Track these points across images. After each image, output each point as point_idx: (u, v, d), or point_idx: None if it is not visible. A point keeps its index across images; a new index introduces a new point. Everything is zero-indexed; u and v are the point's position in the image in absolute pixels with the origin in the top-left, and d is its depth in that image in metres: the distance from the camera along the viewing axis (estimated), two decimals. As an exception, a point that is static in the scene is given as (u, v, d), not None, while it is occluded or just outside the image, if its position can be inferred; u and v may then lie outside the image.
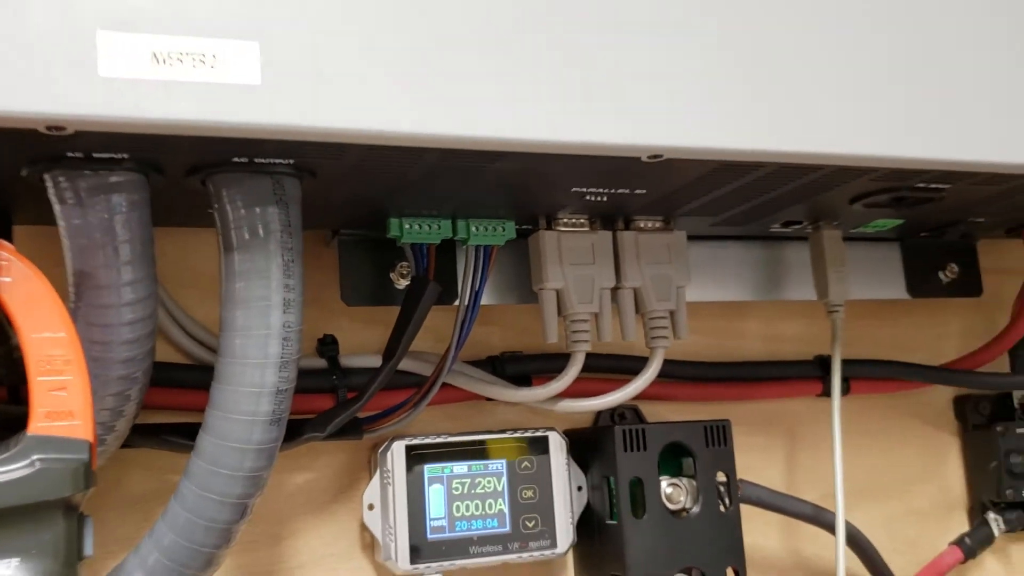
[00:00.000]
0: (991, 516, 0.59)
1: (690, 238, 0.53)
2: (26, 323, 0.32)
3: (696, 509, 0.49)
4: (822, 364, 0.57)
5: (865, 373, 0.58)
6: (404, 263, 0.48)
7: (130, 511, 0.44)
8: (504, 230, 0.46)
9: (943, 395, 0.62)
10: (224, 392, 0.37)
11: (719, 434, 0.50)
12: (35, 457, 0.31)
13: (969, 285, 0.60)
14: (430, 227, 0.45)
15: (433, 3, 0.34)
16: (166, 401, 0.44)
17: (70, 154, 0.34)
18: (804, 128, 0.38)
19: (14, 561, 0.30)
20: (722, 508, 0.49)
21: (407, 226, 0.44)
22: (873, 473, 0.59)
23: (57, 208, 0.35)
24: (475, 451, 0.48)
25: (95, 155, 0.34)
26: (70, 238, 0.35)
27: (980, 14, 0.42)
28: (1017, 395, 0.61)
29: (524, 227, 0.48)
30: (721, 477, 0.50)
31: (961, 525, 0.60)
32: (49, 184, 0.35)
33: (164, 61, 0.31)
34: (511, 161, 0.37)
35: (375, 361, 0.48)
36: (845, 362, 0.57)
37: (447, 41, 0.34)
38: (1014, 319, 0.59)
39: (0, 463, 0.31)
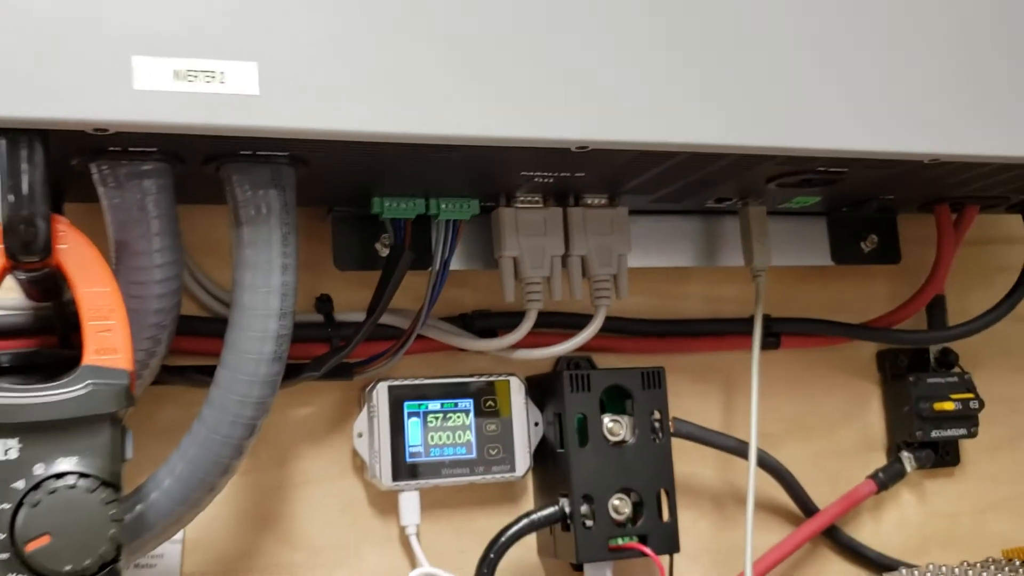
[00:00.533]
0: (904, 455, 0.68)
1: (636, 212, 0.62)
2: (79, 280, 0.42)
3: (633, 441, 0.58)
4: (752, 321, 0.66)
5: (794, 329, 0.67)
6: (386, 235, 0.57)
7: (162, 437, 0.53)
8: (470, 207, 0.55)
9: (867, 350, 0.70)
10: (236, 336, 0.46)
11: (654, 379, 0.59)
12: (89, 381, 0.41)
13: (888, 253, 0.69)
14: (406, 205, 0.54)
15: (391, 26, 0.43)
16: (190, 347, 0.54)
17: (111, 148, 0.43)
18: (700, 122, 0.46)
19: (74, 459, 0.40)
20: (656, 440, 0.58)
21: (387, 204, 0.53)
22: (801, 417, 0.68)
23: (100, 190, 0.45)
24: (447, 391, 0.58)
25: (130, 149, 0.43)
26: (111, 214, 0.45)
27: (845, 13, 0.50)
28: (933, 349, 0.69)
29: (487, 204, 0.56)
30: (655, 415, 0.59)
31: (880, 462, 0.69)
32: (94, 171, 0.44)
33: (183, 78, 0.40)
34: (463, 152, 0.46)
35: (363, 316, 0.57)
36: (777, 320, 0.66)
37: (408, 55, 0.43)
38: (927, 282, 0.67)
39: (64, 386, 0.40)
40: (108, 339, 0.42)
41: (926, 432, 0.67)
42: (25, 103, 0.38)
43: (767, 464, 0.64)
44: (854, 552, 0.67)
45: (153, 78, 0.40)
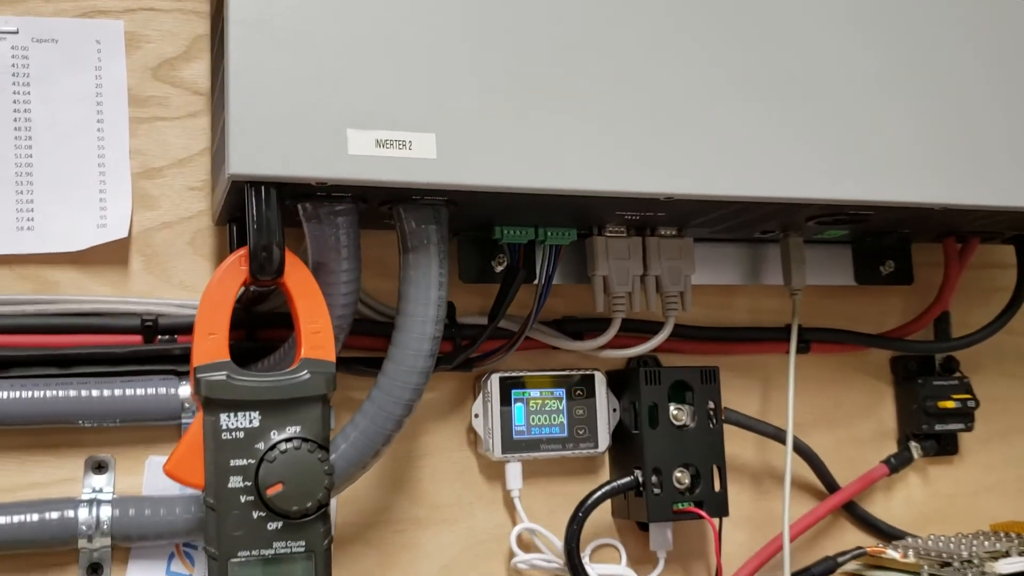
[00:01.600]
0: (912, 444, 0.81)
1: (697, 240, 0.75)
2: (298, 295, 0.55)
3: (692, 425, 0.72)
4: (789, 330, 0.79)
5: (822, 338, 0.80)
6: (501, 254, 0.71)
7: None
8: (569, 235, 0.68)
9: (883, 356, 0.83)
10: (401, 337, 0.59)
11: (710, 376, 0.73)
12: (306, 370, 0.55)
13: (903, 276, 0.82)
14: (521, 232, 0.67)
15: (533, 105, 0.56)
16: (347, 343, 0.68)
17: (318, 193, 0.57)
18: (755, 180, 0.60)
19: (298, 427, 0.54)
20: (711, 425, 0.72)
21: (506, 231, 0.66)
22: (826, 411, 0.81)
23: (305, 224, 0.58)
24: (545, 381, 0.71)
25: (332, 194, 0.57)
26: (311, 241, 0.58)
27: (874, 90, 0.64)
28: (938, 357, 0.83)
29: (582, 232, 0.70)
30: (711, 405, 0.72)
31: (891, 450, 0.82)
32: (300, 209, 0.58)
33: (382, 145, 0.54)
34: (576, 198, 0.59)
35: (480, 319, 0.70)
36: (808, 329, 0.80)
37: (545, 128, 0.56)
38: (935, 300, 0.80)
39: (290, 374, 0.54)
40: (318, 339, 0.55)
41: (931, 425, 0.80)
42: (272, 164, 0.52)
43: (799, 448, 0.77)
44: (868, 524, 0.81)
45: (361, 145, 0.54)
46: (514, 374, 0.71)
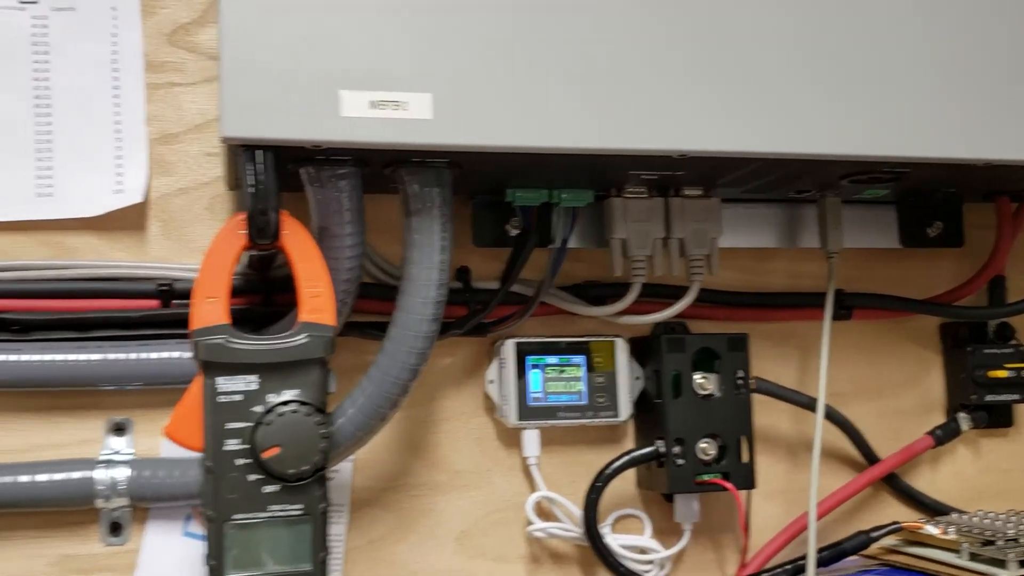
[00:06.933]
0: (961, 415, 0.77)
1: (728, 200, 0.72)
2: (297, 257, 0.55)
3: (719, 394, 0.69)
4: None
5: (866, 303, 0.76)
6: (515, 218, 0.69)
7: (341, 377, 0.66)
8: (585, 196, 0.66)
9: (930, 323, 0.79)
10: (405, 300, 0.59)
11: (738, 343, 0.70)
12: (305, 333, 0.54)
13: (952, 238, 0.77)
14: (534, 194, 0.65)
15: (532, 61, 0.54)
16: (360, 307, 0.67)
17: (318, 157, 0.56)
18: (778, 134, 0.57)
19: (296, 391, 0.54)
20: (738, 395, 0.69)
21: (518, 194, 0.65)
22: (868, 379, 0.78)
23: (307, 187, 0.58)
24: (563, 348, 0.70)
25: (332, 158, 0.56)
26: (315, 205, 0.58)
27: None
28: (992, 323, 0.78)
29: (600, 193, 0.68)
30: (739, 373, 0.70)
31: (937, 421, 0.78)
32: (303, 174, 0.57)
33: (377, 106, 0.53)
34: (586, 157, 0.57)
35: (495, 284, 0.69)
36: (848, 295, 0.76)
37: (546, 86, 0.54)
38: (987, 264, 0.76)
39: (288, 337, 0.54)
40: (318, 302, 0.55)
41: (980, 396, 0.76)
42: (264, 127, 0.52)
43: (835, 418, 0.74)
44: (911, 497, 0.77)
45: (355, 107, 0.53)
46: (530, 339, 0.69)
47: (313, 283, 0.55)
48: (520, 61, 0.54)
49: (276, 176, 0.53)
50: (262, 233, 0.54)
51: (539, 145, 0.55)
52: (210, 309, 0.53)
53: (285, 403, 0.53)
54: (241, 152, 0.53)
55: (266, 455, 0.52)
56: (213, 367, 0.53)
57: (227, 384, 0.53)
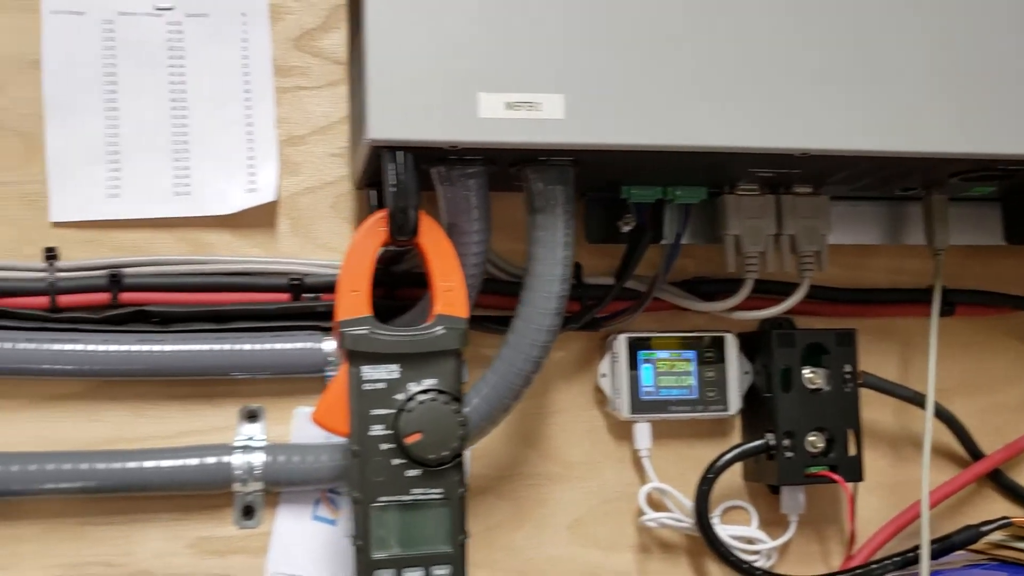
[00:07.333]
0: (1067, 413, 0.77)
1: (835, 198, 0.73)
2: (432, 254, 0.57)
3: (827, 389, 0.70)
4: (931, 292, 0.76)
5: (970, 300, 0.77)
6: (628, 215, 0.70)
7: None
8: (699, 193, 0.68)
9: (1038, 319, 0.79)
10: (530, 295, 0.61)
11: (846, 338, 0.71)
12: (441, 326, 0.57)
13: (1059, 234, 0.78)
14: (649, 191, 0.67)
15: (659, 62, 0.56)
16: (479, 301, 0.69)
17: (450, 157, 0.58)
18: (900, 133, 0.58)
19: (434, 380, 0.56)
20: (846, 389, 0.71)
21: (633, 191, 0.67)
22: (970, 376, 0.78)
23: (437, 186, 0.60)
24: (675, 343, 0.71)
25: (464, 157, 0.58)
26: (445, 203, 0.60)
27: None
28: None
29: (713, 191, 0.69)
30: (847, 368, 0.71)
31: (1044, 419, 0.79)
32: (434, 173, 0.60)
33: (512, 108, 0.55)
34: (706, 156, 0.59)
35: (607, 280, 0.71)
36: (951, 291, 0.76)
37: (672, 85, 0.56)
38: (1096, 262, 0.76)
39: (426, 329, 0.56)
40: (451, 296, 0.57)
41: (1088, 394, 0.76)
42: (408, 129, 0.54)
43: (941, 414, 0.74)
44: (1016, 494, 0.77)
45: (492, 108, 0.55)
46: (642, 335, 0.71)
47: (447, 278, 0.57)
48: (649, 62, 0.56)
49: (416, 176, 0.56)
50: (402, 230, 0.56)
51: (668, 143, 0.57)
52: (354, 301, 0.56)
53: (425, 391, 0.55)
54: (385, 153, 0.55)
55: (409, 441, 0.55)
56: (358, 356, 0.55)
57: (371, 372, 0.55)
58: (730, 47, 0.57)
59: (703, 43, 0.57)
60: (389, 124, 0.54)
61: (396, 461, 0.55)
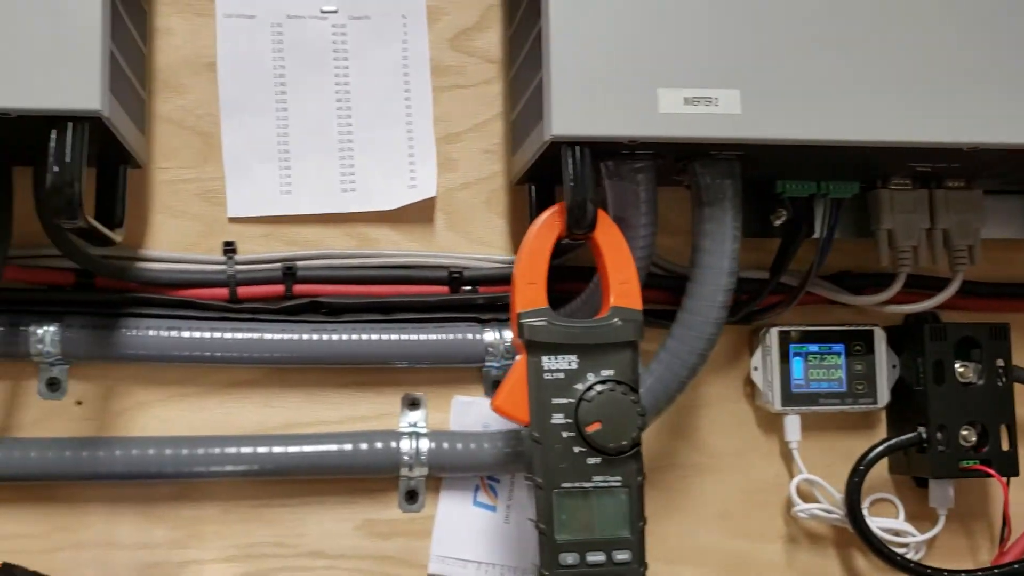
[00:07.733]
0: None
1: (988, 192, 0.73)
2: (607, 249, 0.59)
3: (980, 383, 0.70)
4: (1086, 287, 0.75)
5: (1125, 295, 0.76)
6: (781, 208, 0.71)
7: None
8: (851, 188, 0.68)
9: None
10: (697, 288, 0.62)
11: (1000, 332, 0.71)
12: (617, 318, 0.58)
13: None
14: (803, 186, 0.68)
15: (833, 57, 0.57)
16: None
17: (623, 152, 0.60)
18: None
19: (611, 371, 0.57)
20: (1000, 383, 0.70)
21: (788, 185, 0.67)
22: (1124, 372, 0.77)
23: (606, 181, 0.62)
24: (824, 336, 0.72)
25: (636, 152, 0.60)
26: (612, 197, 0.62)
27: None
28: None
29: (864, 185, 0.69)
30: (1000, 363, 0.71)
31: None
32: (603, 168, 0.61)
33: (690, 103, 0.56)
34: (868, 150, 0.59)
35: (756, 273, 0.71)
36: (1103, 286, 0.76)
37: (845, 83, 0.57)
38: None
39: (602, 321, 0.58)
40: (627, 289, 0.59)
41: None
42: (588, 125, 0.56)
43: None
44: None
45: (671, 104, 0.56)
46: (792, 328, 0.72)
47: (622, 271, 0.59)
48: (823, 57, 0.57)
49: (593, 171, 0.57)
50: (579, 223, 0.58)
51: (842, 138, 0.57)
52: (532, 293, 0.58)
53: (603, 382, 0.57)
54: (565, 148, 0.57)
55: (589, 430, 0.56)
56: (537, 346, 0.57)
57: (551, 363, 0.57)
58: (902, 43, 0.58)
59: (878, 39, 0.57)
60: (570, 120, 0.56)
61: (577, 449, 0.56)
